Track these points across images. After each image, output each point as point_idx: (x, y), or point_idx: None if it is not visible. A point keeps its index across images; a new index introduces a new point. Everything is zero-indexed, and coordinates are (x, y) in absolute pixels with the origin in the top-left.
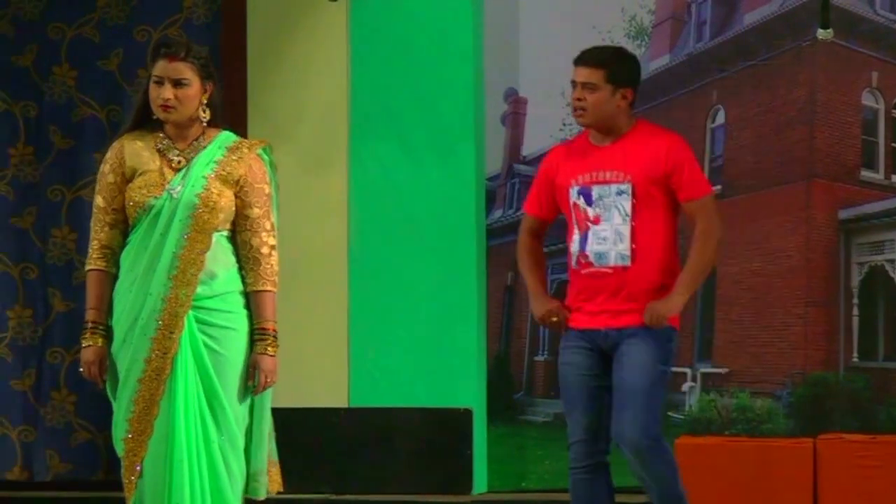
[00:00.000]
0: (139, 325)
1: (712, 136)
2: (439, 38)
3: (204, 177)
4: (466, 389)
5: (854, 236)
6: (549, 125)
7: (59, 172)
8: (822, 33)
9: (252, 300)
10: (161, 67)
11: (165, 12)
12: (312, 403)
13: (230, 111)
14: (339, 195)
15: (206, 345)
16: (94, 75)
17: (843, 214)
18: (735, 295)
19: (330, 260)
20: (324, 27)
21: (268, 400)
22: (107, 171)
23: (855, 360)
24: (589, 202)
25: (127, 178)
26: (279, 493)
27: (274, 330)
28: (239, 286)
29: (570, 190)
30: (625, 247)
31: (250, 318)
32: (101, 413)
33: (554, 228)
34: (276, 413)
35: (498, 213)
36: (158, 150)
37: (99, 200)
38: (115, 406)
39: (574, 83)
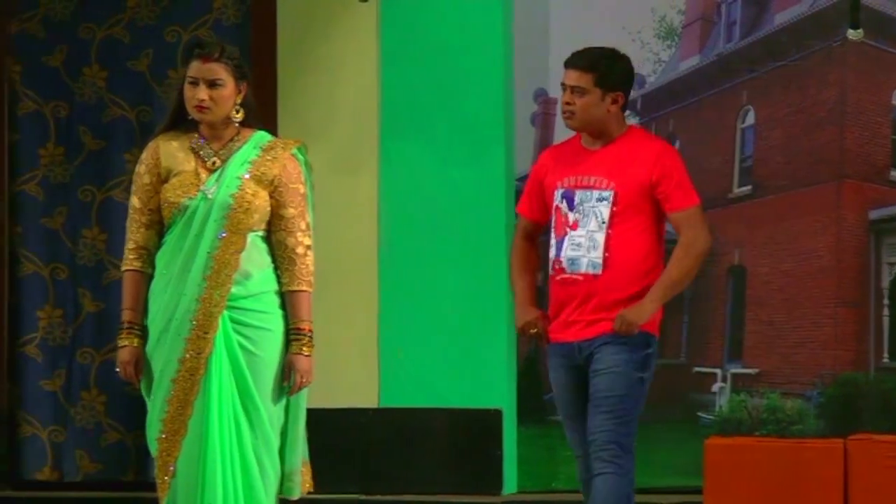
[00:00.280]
0: (173, 325)
1: (742, 136)
2: (469, 39)
3: (238, 177)
4: (496, 390)
5: (884, 236)
6: None
7: (89, 173)
8: (852, 34)
9: (287, 300)
10: (195, 68)
11: (195, 13)
12: (342, 404)
13: (260, 112)
14: (370, 195)
15: (241, 345)
16: (124, 76)
17: (874, 215)
18: (765, 295)
19: (360, 260)
20: (354, 27)
21: (303, 400)
22: (142, 171)
23: (885, 360)
24: (571, 206)
25: (162, 178)
26: (309, 492)
27: (309, 330)
28: (274, 286)
29: (556, 192)
30: (597, 254)
31: (286, 318)
32: (131, 413)
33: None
34: (306, 413)
35: None
36: (193, 151)
37: (135, 201)
38: (149, 405)
39: (563, 86)
